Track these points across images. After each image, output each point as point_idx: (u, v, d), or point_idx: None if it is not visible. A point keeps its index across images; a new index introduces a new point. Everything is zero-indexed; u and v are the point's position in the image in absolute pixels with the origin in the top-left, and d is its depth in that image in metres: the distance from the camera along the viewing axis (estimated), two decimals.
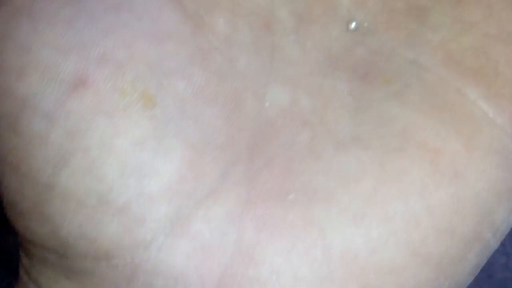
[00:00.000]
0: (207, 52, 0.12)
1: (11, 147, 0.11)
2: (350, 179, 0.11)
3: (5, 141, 0.11)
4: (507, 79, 0.12)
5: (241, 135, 0.12)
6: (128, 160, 0.10)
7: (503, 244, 0.13)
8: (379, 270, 0.11)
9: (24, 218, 0.11)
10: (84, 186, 0.10)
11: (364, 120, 0.12)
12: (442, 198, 0.11)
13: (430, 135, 0.12)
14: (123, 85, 0.11)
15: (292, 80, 0.12)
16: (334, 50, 0.13)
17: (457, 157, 0.12)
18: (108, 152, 0.10)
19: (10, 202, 0.11)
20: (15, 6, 0.11)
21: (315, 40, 0.13)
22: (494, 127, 0.12)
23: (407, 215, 0.11)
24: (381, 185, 0.11)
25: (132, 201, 0.10)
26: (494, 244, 0.12)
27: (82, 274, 0.11)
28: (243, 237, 0.11)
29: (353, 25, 0.13)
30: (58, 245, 0.11)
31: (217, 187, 0.11)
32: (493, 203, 0.12)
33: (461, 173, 0.11)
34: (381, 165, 0.12)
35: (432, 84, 0.12)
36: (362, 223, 0.11)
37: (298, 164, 0.12)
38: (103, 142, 0.10)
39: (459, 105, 0.12)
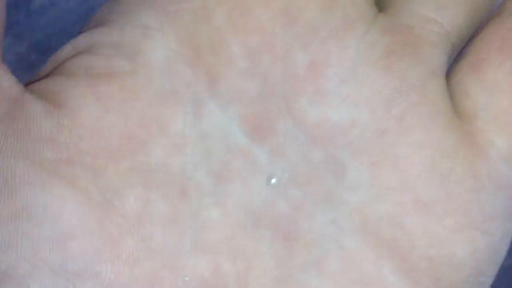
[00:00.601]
0: (117, 240, 0.11)
1: None
2: None
3: None
4: (422, 253, 0.12)
5: None
6: None
7: None
8: None
9: None
10: None
11: None
12: None
13: None
14: None
15: (212, 247, 0.12)
16: (255, 207, 0.12)
17: None
18: None
19: None
20: None
21: (235, 198, 0.12)
22: None
23: None
24: None
25: None
26: None
27: None
28: None
29: (273, 180, 0.13)
30: None
31: None
32: None
33: None
34: None
35: (350, 253, 0.12)
36: None
37: None
38: None
39: (375, 280, 0.12)
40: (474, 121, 0.12)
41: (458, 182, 0.12)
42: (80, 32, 0.12)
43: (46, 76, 0.12)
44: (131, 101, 0.12)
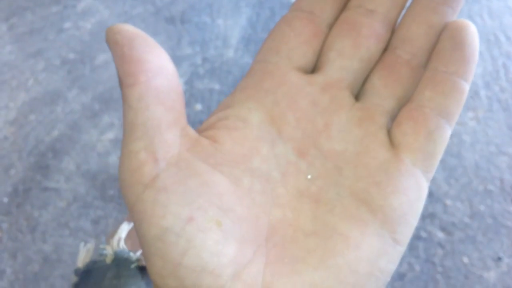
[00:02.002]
0: (241, 197, 0.20)
1: None
2: None
3: None
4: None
5: (261, 234, 0.20)
6: None
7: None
8: None
9: None
10: None
11: (317, 222, 0.21)
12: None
13: (349, 231, 0.21)
14: None
15: (282, 205, 0.21)
16: (301, 188, 0.22)
17: None
18: None
19: None
20: None
21: (291, 184, 0.22)
22: None
23: None
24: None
25: None
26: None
27: None
28: None
29: (309, 176, 0.22)
30: None
31: (252, 259, 0.19)
32: None
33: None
34: (325, 245, 0.21)
35: (345, 206, 0.21)
36: None
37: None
38: None
39: (357, 216, 0.21)
40: (399, 146, 0.22)
41: (387, 171, 0.21)
42: (218, 107, 0.23)
43: (205, 129, 0.22)
44: (244, 139, 0.21)
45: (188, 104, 1.00)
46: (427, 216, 0.72)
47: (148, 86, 0.19)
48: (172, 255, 0.18)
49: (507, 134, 0.80)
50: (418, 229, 0.71)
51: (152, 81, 0.19)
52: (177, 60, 1.10)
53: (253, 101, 0.22)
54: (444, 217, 0.71)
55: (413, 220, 0.21)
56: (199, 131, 0.22)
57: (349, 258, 0.20)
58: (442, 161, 0.80)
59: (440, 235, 0.70)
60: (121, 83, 0.19)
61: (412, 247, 0.71)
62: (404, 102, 0.23)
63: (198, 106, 1.00)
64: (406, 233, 0.21)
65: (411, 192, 0.21)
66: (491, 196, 0.73)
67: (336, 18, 0.24)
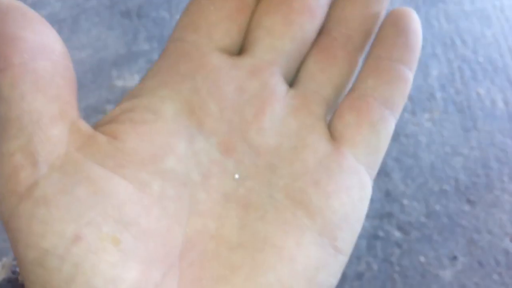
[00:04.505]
0: (149, 206, 0.17)
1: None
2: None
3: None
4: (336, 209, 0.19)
5: (173, 251, 0.17)
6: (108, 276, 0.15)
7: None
8: None
9: None
10: None
11: (245, 232, 0.18)
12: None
13: (283, 240, 0.18)
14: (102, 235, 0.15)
15: (201, 213, 0.18)
16: (226, 191, 0.19)
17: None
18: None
19: None
20: None
21: (214, 187, 0.18)
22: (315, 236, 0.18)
23: None
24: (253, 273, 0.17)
25: None
26: None
27: None
28: None
29: (236, 176, 0.19)
30: None
31: (161, 282, 0.16)
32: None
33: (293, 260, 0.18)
34: (253, 259, 0.18)
35: (279, 210, 0.18)
36: None
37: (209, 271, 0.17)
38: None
39: (293, 221, 0.18)
40: (340, 139, 0.20)
41: (328, 168, 0.19)
42: (123, 99, 0.20)
43: (106, 123, 0.18)
44: (154, 135, 0.18)
45: None
46: (384, 215, 0.72)
47: (23, 69, 0.15)
48: (55, 284, 0.15)
49: (462, 135, 0.82)
50: (375, 228, 0.71)
51: (30, 63, 0.15)
52: (133, 56, 1.06)
53: (167, 89, 0.19)
54: (401, 217, 0.71)
55: (357, 224, 0.19)
56: (97, 126, 0.18)
57: (282, 273, 0.17)
58: (399, 161, 0.80)
59: (397, 234, 0.70)
60: None
61: (370, 246, 0.71)
62: (340, 90, 0.21)
63: None
64: (348, 240, 0.19)
65: (354, 192, 0.19)
66: (447, 196, 0.74)
67: None
